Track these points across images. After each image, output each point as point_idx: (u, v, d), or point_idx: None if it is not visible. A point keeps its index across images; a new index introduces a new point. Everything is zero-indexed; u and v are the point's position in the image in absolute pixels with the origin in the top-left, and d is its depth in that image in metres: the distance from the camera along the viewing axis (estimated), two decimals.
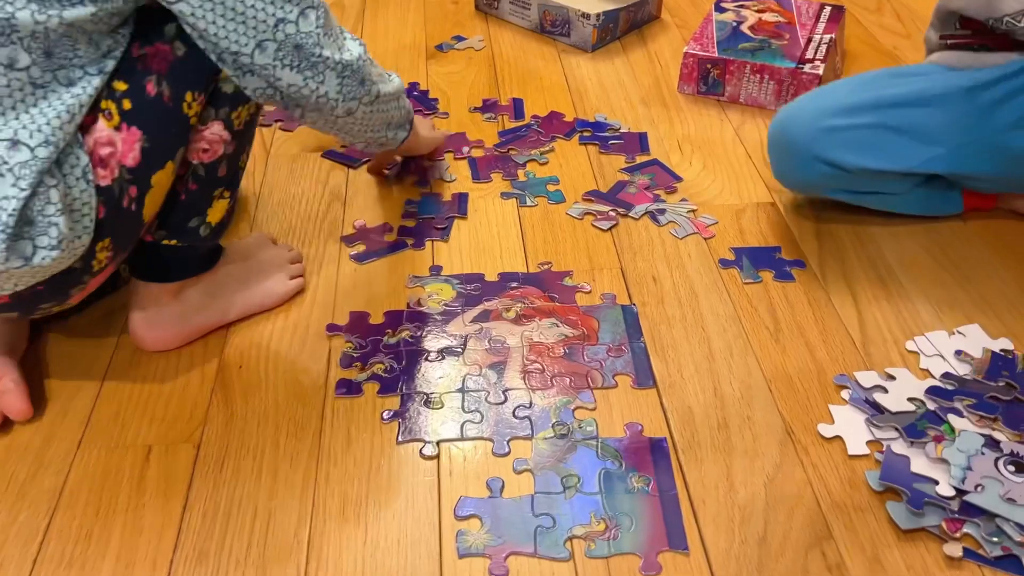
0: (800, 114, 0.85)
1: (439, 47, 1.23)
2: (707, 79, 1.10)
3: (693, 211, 0.93)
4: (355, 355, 0.74)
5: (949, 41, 0.86)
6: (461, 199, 0.93)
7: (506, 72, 1.18)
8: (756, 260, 0.86)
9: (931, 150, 0.82)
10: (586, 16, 1.19)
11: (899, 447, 0.66)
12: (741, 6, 1.21)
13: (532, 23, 1.26)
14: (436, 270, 0.84)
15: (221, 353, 0.75)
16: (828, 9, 1.19)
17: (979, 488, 0.62)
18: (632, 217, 0.92)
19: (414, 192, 0.95)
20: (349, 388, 0.71)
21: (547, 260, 0.85)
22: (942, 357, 0.74)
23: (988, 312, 0.79)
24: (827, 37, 1.12)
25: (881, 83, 0.85)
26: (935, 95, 0.81)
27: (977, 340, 0.76)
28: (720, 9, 1.20)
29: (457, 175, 0.97)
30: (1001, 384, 0.70)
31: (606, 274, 0.84)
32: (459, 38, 1.25)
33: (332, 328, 0.78)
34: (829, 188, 0.87)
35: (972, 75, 0.82)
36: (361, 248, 0.87)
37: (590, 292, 0.82)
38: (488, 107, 1.10)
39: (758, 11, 1.20)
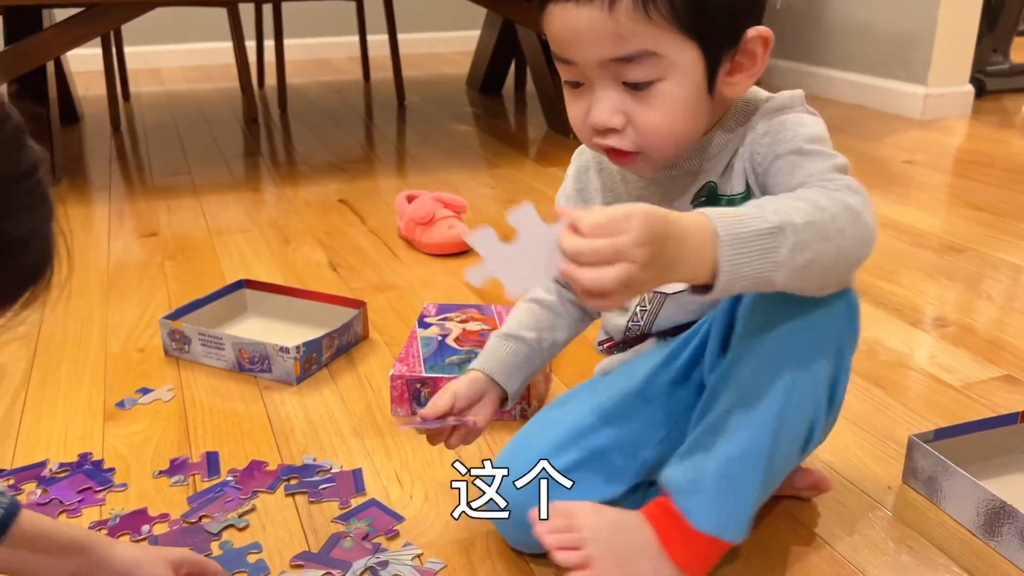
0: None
1: (119, 404, 1.09)
2: (419, 398, 1.05)
3: (419, 556, 0.82)
4: None
5: (605, 346, 0.90)
6: None
7: (199, 422, 1.05)
8: None
9: (641, 456, 0.79)
10: (285, 350, 1.12)
11: None
12: (444, 319, 1.20)
13: (229, 363, 1.16)
14: None
15: None
16: None
17: None
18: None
19: None
20: None
21: None
22: None
23: None
24: None
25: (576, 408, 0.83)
26: (616, 403, 0.80)
27: None
28: (424, 325, 1.18)
29: None
30: None
31: None
32: (145, 390, 1.12)
33: None
34: None
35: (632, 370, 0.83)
36: None
37: None
38: (176, 468, 0.96)
39: (461, 322, 1.19)
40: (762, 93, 0.76)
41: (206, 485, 0.93)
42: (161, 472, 0.95)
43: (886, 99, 2.76)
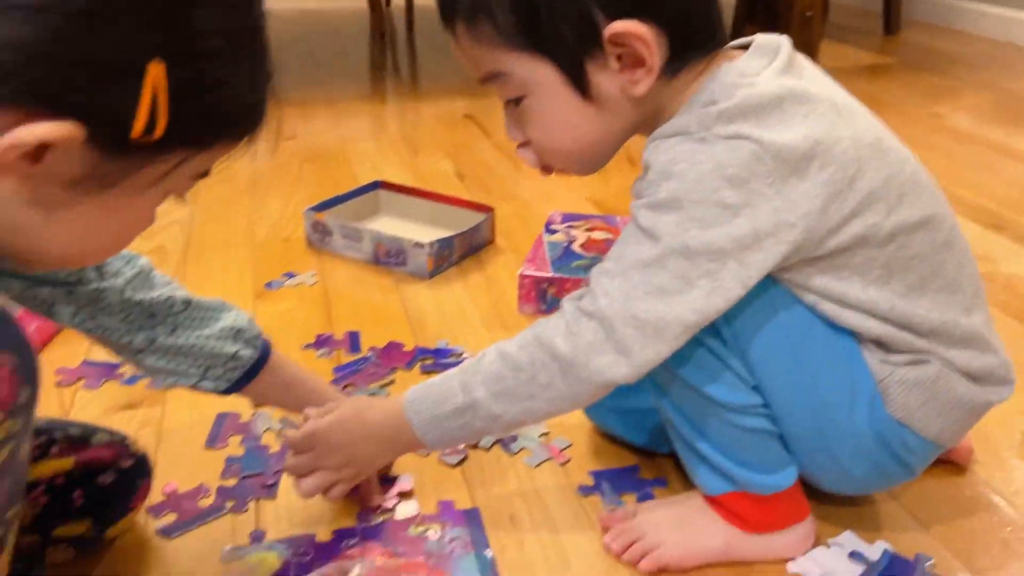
0: None
1: (268, 285, 1.18)
2: (545, 298, 1.09)
3: (545, 435, 0.87)
4: None
5: None
6: None
7: (341, 306, 1.13)
8: (616, 483, 0.79)
9: None
10: (420, 245, 1.18)
11: None
12: (570, 226, 1.24)
13: (366, 255, 1.23)
14: (258, 536, 0.72)
15: None
16: None
17: None
18: (482, 448, 0.85)
19: (238, 448, 0.85)
20: None
21: (388, 508, 0.76)
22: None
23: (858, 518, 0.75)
24: None
25: None
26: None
27: (855, 546, 0.71)
28: (551, 231, 1.22)
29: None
30: None
31: (458, 516, 0.75)
32: (290, 275, 1.20)
33: None
34: None
35: None
36: (171, 518, 0.75)
37: (440, 539, 0.72)
38: (322, 343, 1.03)
39: (587, 230, 1.22)
40: (724, 89, 0.59)
41: (349, 359, 1.00)
42: (308, 345, 1.03)
43: None
